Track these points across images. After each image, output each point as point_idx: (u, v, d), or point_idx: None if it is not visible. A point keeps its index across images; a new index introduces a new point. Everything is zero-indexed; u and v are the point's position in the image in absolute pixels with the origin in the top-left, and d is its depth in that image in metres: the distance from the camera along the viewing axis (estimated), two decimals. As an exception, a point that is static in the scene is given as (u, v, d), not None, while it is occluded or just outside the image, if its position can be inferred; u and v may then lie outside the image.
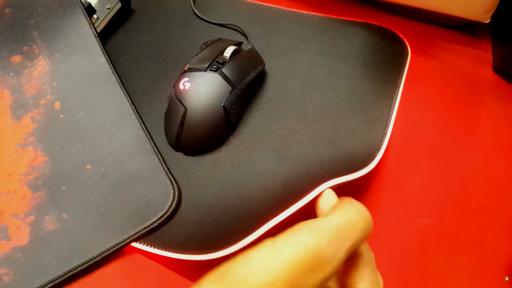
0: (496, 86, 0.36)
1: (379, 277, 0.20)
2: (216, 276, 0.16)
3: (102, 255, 0.25)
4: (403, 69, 0.35)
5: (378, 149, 0.29)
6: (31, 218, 0.27)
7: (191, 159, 0.30)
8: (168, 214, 0.27)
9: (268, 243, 0.17)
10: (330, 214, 0.18)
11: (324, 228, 0.17)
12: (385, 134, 0.31)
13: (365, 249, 0.20)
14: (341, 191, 0.25)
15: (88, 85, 0.32)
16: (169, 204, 0.27)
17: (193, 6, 0.41)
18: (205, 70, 0.30)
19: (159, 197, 0.27)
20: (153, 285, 0.26)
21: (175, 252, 0.26)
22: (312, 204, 0.25)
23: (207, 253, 0.25)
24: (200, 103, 0.30)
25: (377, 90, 0.33)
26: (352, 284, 0.19)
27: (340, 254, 0.17)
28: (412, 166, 0.31)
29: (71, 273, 0.25)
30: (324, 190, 0.25)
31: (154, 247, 0.26)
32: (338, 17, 0.40)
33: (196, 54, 0.33)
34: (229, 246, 0.25)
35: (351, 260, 0.20)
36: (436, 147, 0.32)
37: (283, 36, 0.38)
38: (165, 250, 0.26)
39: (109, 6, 0.39)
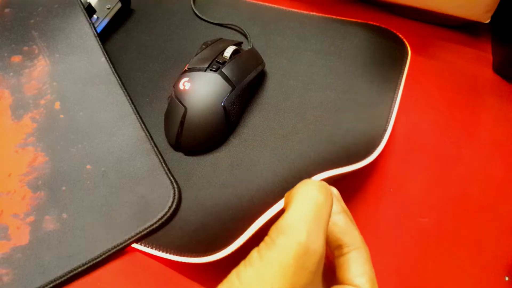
0: (496, 86, 0.36)
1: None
2: None
3: (103, 256, 0.25)
4: (403, 69, 0.35)
5: (378, 144, 0.29)
6: (31, 218, 0.27)
7: (191, 159, 0.30)
8: (168, 214, 0.27)
9: (255, 260, 0.17)
10: (292, 206, 0.18)
11: (296, 224, 0.17)
12: (385, 133, 0.31)
13: (361, 244, 0.20)
14: (341, 191, 0.25)
15: (88, 85, 0.32)
16: (169, 204, 0.27)
17: (193, 6, 0.41)
18: (205, 70, 0.30)
19: (159, 198, 0.27)
20: (153, 285, 0.26)
21: (176, 255, 0.26)
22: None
23: (207, 255, 0.25)
24: (200, 103, 0.30)
25: (377, 90, 0.33)
26: (350, 278, 0.19)
27: (320, 236, 0.17)
28: (412, 166, 0.31)
29: (71, 274, 0.25)
30: None
31: (155, 249, 0.26)
32: (338, 17, 0.40)
33: (196, 54, 0.33)
34: (227, 246, 0.25)
35: (348, 254, 0.20)
36: (436, 147, 0.32)
37: (283, 36, 0.38)
38: (166, 252, 0.26)
39: (109, 6, 0.39)
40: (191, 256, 0.25)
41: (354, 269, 0.19)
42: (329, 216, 0.18)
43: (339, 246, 0.20)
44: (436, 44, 0.39)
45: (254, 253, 0.17)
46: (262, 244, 0.17)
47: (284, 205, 0.19)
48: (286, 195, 0.20)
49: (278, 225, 0.18)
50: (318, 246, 0.17)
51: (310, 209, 0.17)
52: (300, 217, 0.17)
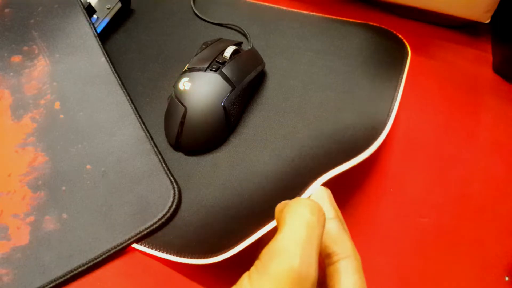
0: (496, 86, 0.36)
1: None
2: None
3: (103, 256, 0.25)
4: (403, 69, 0.35)
5: (377, 138, 0.29)
6: (31, 218, 0.27)
7: (191, 159, 0.30)
8: (168, 214, 0.27)
9: (245, 286, 0.16)
10: (284, 228, 0.17)
11: (288, 247, 0.16)
12: (385, 134, 0.31)
13: (352, 252, 0.19)
14: (340, 191, 0.25)
15: (88, 85, 0.32)
16: (169, 204, 0.27)
17: (193, 6, 0.41)
18: (205, 70, 0.30)
19: (159, 198, 0.27)
20: (153, 285, 0.26)
21: (176, 256, 0.26)
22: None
23: (208, 257, 0.25)
24: (200, 103, 0.30)
25: (377, 90, 0.33)
26: None
27: (313, 260, 0.16)
28: (412, 166, 0.31)
29: (71, 274, 0.25)
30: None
31: (156, 249, 0.26)
32: (338, 17, 0.40)
33: (196, 54, 0.33)
34: (229, 249, 0.25)
35: (338, 263, 0.19)
36: (436, 147, 0.32)
37: (283, 36, 0.38)
38: (166, 253, 0.26)
39: (109, 6, 0.39)
40: (191, 258, 0.25)
41: (344, 279, 0.18)
42: (322, 236, 0.18)
43: (329, 255, 0.19)
44: (436, 44, 0.39)
45: (245, 280, 0.16)
46: (253, 269, 0.17)
47: (276, 222, 0.18)
48: (276, 210, 0.19)
49: (270, 248, 0.17)
50: (311, 271, 0.16)
51: (302, 231, 0.17)
52: (292, 241, 0.16)
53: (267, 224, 0.25)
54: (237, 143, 0.31)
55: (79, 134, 0.30)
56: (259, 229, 0.25)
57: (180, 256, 0.26)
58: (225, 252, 0.25)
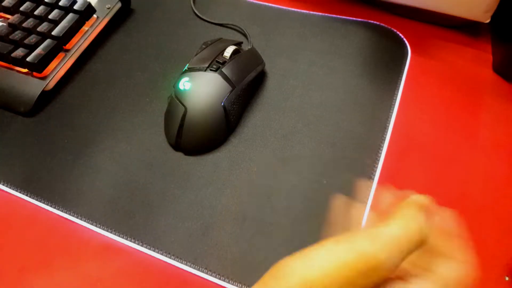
0: (496, 86, 0.36)
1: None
2: (276, 269, 0.17)
3: None
4: (403, 69, 0.35)
5: (379, 151, 0.29)
6: None
7: (191, 159, 0.30)
8: None
9: (329, 245, 0.17)
10: (391, 223, 0.18)
11: (381, 238, 0.17)
12: (385, 134, 0.31)
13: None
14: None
15: None
16: None
17: (193, 6, 0.41)
18: (205, 70, 0.30)
19: None
20: (153, 285, 0.26)
21: (179, 262, 0.26)
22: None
23: (208, 269, 0.25)
24: (200, 103, 0.30)
25: (377, 90, 0.33)
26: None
27: (393, 262, 0.17)
28: (412, 166, 0.31)
29: None
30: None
31: (157, 251, 0.26)
32: (338, 16, 0.40)
33: (196, 54, 0.33)
34: None
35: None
36: (436, 147, 0.32)
37: (283, 36, 0.38)
38: (167, 256, 0.26)
39: (109, 6, 0.39)
40: (191, 267, 0.26)
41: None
42: (412, 252, 0.18)
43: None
44: (436, 44, 0.39)
45: (330, 241, 0.18)
46: (341, 237, 0.18)
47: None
48: (395, 213, 0.19)
49: (367, 229, 0.18)
50: (386, 267, 0.17)
51: (402, 239, 0.18)
52: (389, 239, 0.17)
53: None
54: (237, 143, 0.31)
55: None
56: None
57: (181, 263, 0.26)
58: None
